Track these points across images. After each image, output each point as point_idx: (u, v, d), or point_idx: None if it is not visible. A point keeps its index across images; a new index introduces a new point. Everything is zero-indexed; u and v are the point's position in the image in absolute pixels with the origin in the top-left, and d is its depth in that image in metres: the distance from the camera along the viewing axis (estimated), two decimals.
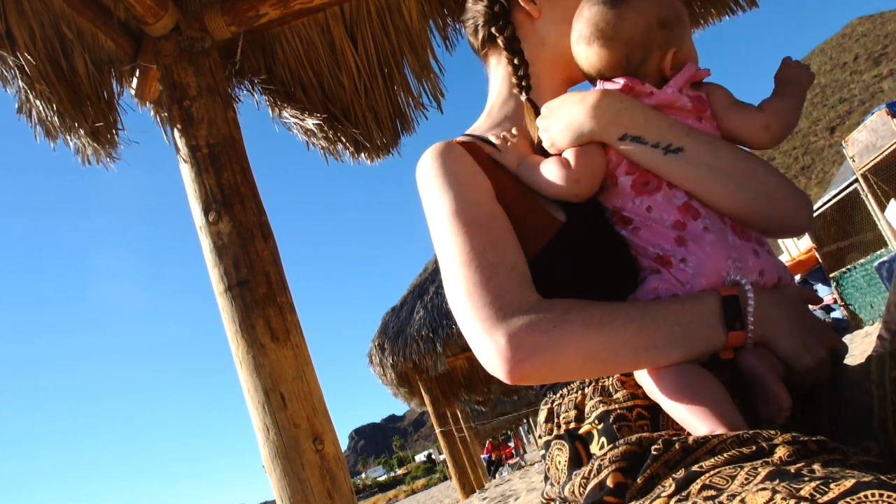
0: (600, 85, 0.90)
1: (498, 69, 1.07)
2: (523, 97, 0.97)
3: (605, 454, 0.69)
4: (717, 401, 0.72)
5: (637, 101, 0.84)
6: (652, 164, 0.82)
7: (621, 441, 0.70)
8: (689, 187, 0.81)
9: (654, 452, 0.65)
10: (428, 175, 0.90)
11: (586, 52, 0.89)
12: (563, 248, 0.84)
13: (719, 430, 0.69)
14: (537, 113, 0.93)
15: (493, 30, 1.02)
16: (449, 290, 0.82)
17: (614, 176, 0.86)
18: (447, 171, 0.89)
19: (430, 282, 10.46)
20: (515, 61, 0.99)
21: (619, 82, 0.86)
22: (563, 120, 0.86)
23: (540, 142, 0.91)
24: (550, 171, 0.86)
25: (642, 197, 0.83)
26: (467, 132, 1.04)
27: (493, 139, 0.96)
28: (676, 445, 0.65)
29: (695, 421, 0.71)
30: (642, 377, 0.78)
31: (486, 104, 1.08)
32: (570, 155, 0.86)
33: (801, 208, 0.81)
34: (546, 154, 0.91)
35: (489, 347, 0.75)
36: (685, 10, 0.89)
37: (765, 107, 0.86)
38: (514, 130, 0.95)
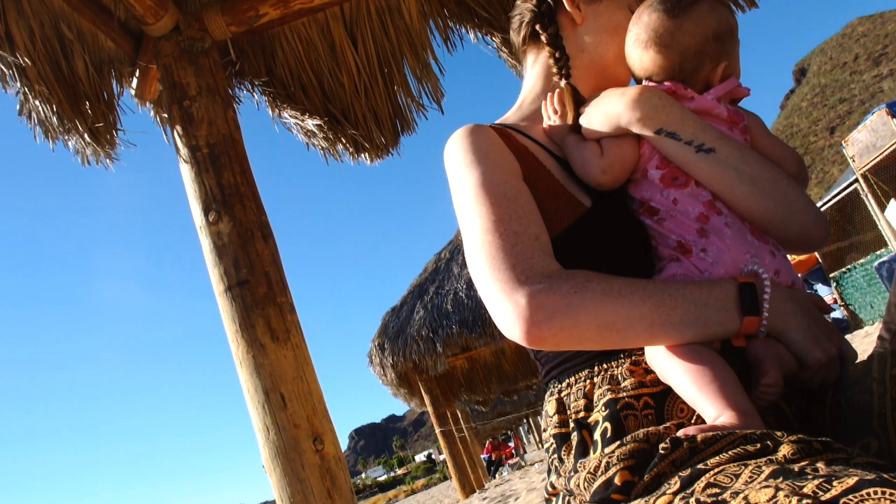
0: (646, 83, 0.93)
1: (534, 67, 1.10)
2: (563, 83, 1.00)
3: (612, 451, 0.69)
4: (727, 384, 0.73)
5: (675, 100, 0.88)
6: (683, 160, 0.85)
7: (628, 438, 0.71)
8: (716, 187, 0.84)
9: (661, 451, 0.65)
10: (457, 151, 0.93)
11: (641, 56, 0.92)
12: (585, 232, 0.87)
13: (726, 412, 0.70)
14: (576, 99, 0.97)
15: (537, 26, 1.06)
16: (471, 257, 0.84)
17: (645, 169, 0.89)
18: (477, 149, 0.91)
19: (430, 282, 10.46)
20: (557, 54, 1.02)
21: (665, 85, 0.90)
22: (602, 110, 0.90)
23: (575, 126, 0.95)
24: (584, 156, 0.91)
25: (670, 189, 0.86)
26: (497, 122, 1.07)
27: (523, 129, 1.00)
28: (685, 444, 0.65)
29: (704, 402, 0.72)
30: (654, 356, 0.79)
31: (518, 98, 1.12)
32: (603, 145, 0.90)
33: (817, 223, 0.84)
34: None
35: (508, 308, 0.76)
36: (737, 25, 0.92)
37: (793, 153, 0.91)
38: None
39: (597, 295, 0.75)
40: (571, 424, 0.84)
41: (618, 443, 0.71)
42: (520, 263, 0.78)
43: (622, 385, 0.81)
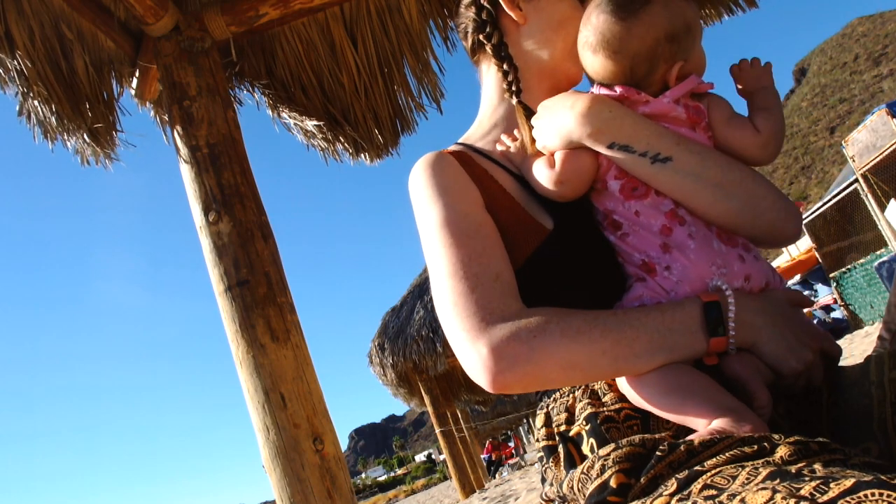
0: (596, 89, 0.90)
1: (488, 75, 1.08)
2: (514, 100, 0.98)
3: (608, 454, 0.69)
4: (708, 389, 0.72)
5: (628, 109, 0.84)
6: (640, 172, 0.82)
7: (624, 441, 0.71)
8: (677, 196, 0.81)
9: (658, 453, 0.65)
10: (419, 185, 0.92)
11: (591, 60, 0.89)
12: (550, 255, 0.85)
13: (718, 417, 0.68)
14: (529, 115, 0.94)
15: (480, 37, 1.03)
16: (436, 300, 0.84)
17: (604, 179, 0.86)
18: (437, 182, 0.91)
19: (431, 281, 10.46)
20: (504, 66, 0.99)
21: (616, 91, 0.86)
22: (553, 124, 0.87)
23: (532, 143, 0.93)
24: (538, 172, 0.88)
25: (630, 201, 0.84)
26: (459, 141, 1.05)
27: (481, 147, 0.99)
28: (682, 448, 0.65)
29: (691, 412, 0.71)
30: (626, 390, 0.78)
31: (479, 112, 1.09)
32: (557, 157, 0.87)
33: (788, 218, 0.82)
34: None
35: (473, 357, 0.77)
36: (697, 17, 0.87)
37: (760, 127, 0.86)
38: (515, 132, 0.97)
39: (556, 336, 0.75)
40: (555, 433, 0.85)
41: (612, 445, 0.71)
42: (480, 309, 0.78)
43: (603, 400, 0.81)
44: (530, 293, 0.83)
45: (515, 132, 0.97)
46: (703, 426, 0.70)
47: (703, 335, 0.75)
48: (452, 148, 1.01)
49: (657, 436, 0.71)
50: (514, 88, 0.98)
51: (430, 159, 0.94)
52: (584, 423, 0.80)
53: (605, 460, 0.68)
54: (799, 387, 0.76)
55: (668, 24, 0.83)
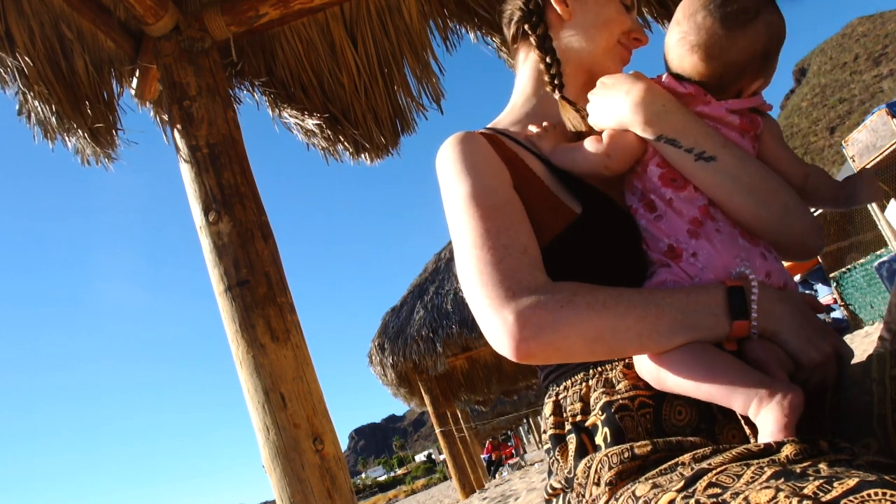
0: (666, 78, 0.90)
1: (525, 65, 1.10)
2: (557, 95, 1.00)
3: (647, 453, 0.71)
4: (735, 368, 0.73)
5: (680, 105, 0.86)
6: (682, 166, 0.84)
7: (661, 443, 0.72)
8: (713, 194, 0.83)
9: (687, 444, 0.67)
10: (448, 160, 0.93)
11: (682, 56, 0.89)
12: (576, 239, 0.87)
13: (753, 393, 0.69)
14: (572, 106, 0.96)
15: (526, 27, 1.05)
16: (461, 270, 0.85)
17: (646, 163, 0.88)
18: (467, 158, 0.92)
19: (430, 282, 10.47)
20: (548, 59, 1.01)
21: (686, 87, 0.87)
22: (607, 106, 0.90)
23: (576, 133, 0.95)
24: (587, 147, 0.90)
25: (667, 189, 0.86)
26: (489, 126, 1.07)
27: (511, 133, 1.00)
28: (709, 447, 0.66)
29: (724, 392, 0.71)
30: (643, 367, 0.79)
31: (510, 100, 1.11)
32: (606, 135, 0.89)
33: (812, 234, 0.84)
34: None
35: (497, 324, 0.77)
36: (785, 38, 0.89)
37: (811, 170, 0.91)
38: (544, 124, 0.99)
39: (582, 308, 0.76)
40: (567, 426, 0.85)
41: (649, 444, 0.72)
42: (507, 279, 0.79)
43: (616, 388, 0.82)
44: (553, 272, 0.84)
45: (545, 124, 0.99)
46: (739, 403, 0.70)
47: (725, 318, 0.76)
48: (482, 130, 1.02)
49: (692, 439, 0.72)
50: (556, 82, 1.00)
51: (460, 137, 0.95)
52: (600, 412, 0.80)
53: (645, 461, 0.70)
54: (814, 382, 0.77)
55: (767, 41, 0.85)
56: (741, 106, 0.87)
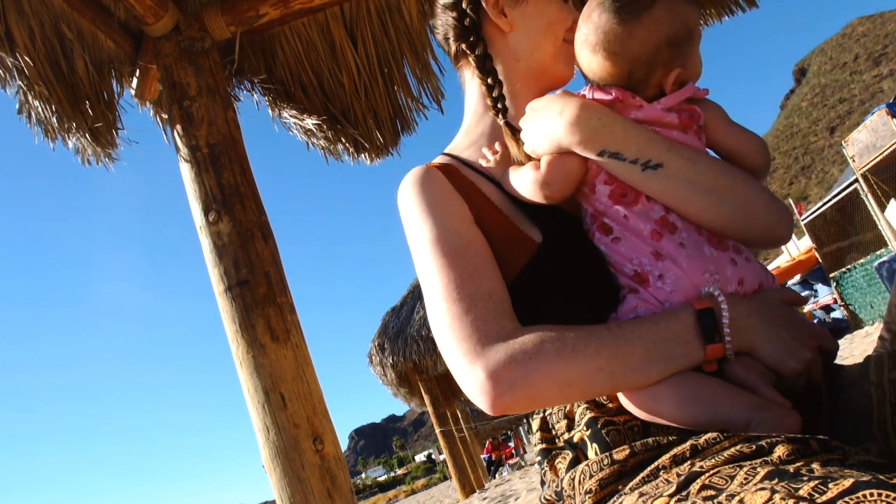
0: (589, 90, 0.88)
1: (472, 83, 1.05)
2: (500, 120, 0.95)
3: (625, 458, 0.71)
4: (726, 393, 0.72)
5: (617, 116, 0.83)
6: (630, 178, 0.81)
7: (639, 445, 0.72)
8: (668, 202, 0.81)
9: (664, 443, 0.66)
10: (408, 202, 0.92)
11: (588, 59, 0.87)
12: (541, 270, 0.85)
13: (751, 417, 0.68)
14: (514, 133, 0.92)
15: (463, 46, 0.99)
16: (432, 323, 0.84)
17: (592, 184, 0.85)
18: (425, 199, 0.90)
19: None
20: (489, 81, 0.96)
21: (611, 93, 0.85)
22: (541, 129, 0.86)
23: (521, 154, 0.91)
24: (524, 176, 0.87)
25: (619, 206, 0.83)
26: (445, 151, 1.04)
27: (467, 158, 0.98)
28: (687, 444, 0.66)
29: (722, 420, 0.70)
30: (629, 404, 0.77)
31: (464, 120, 1.07)
32: (543, 161, 0.86)
33: (780, 221, 0.81)
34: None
35: (471, 381, 0.77)
36: (698, 22, 0.86)
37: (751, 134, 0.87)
38: (496, 146, 0.95)
39: (552, 357, 0.75)
40: (558, 443, 0.85)
41: (628, 448, 0.72)
42: (475, 332, 0.78)
43: (605, 406, 0.81)
44: (523, 307, 0.83)
45: (496, 145, 0.95)
46: (740, 428, 0.69)
47: (698, 343, 0.74)
48: (438, 160, 0.99)
49: (671, 437, 0.72)
50: (499, 106, 0.95)
51: (417, 175, 0.93)
52: (585, 428, 0.80)
53: (624, 466, 0.70)
54: (800, 386, 0.76)
55: (670, 29, 0.82)
56: (675, 101, 0.83)
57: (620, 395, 0.79)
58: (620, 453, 0.72)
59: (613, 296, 0.84)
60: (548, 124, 0.85)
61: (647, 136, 0.81)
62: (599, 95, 0.86)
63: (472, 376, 0.76)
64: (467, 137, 1.03)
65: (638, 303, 0.80)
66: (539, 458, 0.88)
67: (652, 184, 0.80)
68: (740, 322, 0.75)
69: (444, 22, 1.02)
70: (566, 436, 0.84)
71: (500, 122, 0.95)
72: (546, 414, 0.89)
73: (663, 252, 0.79)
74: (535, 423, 0.90)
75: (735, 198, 0.79)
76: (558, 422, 0.86)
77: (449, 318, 0.81)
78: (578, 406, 0.83)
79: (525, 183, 0.87)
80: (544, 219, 0.87)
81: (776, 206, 0.81)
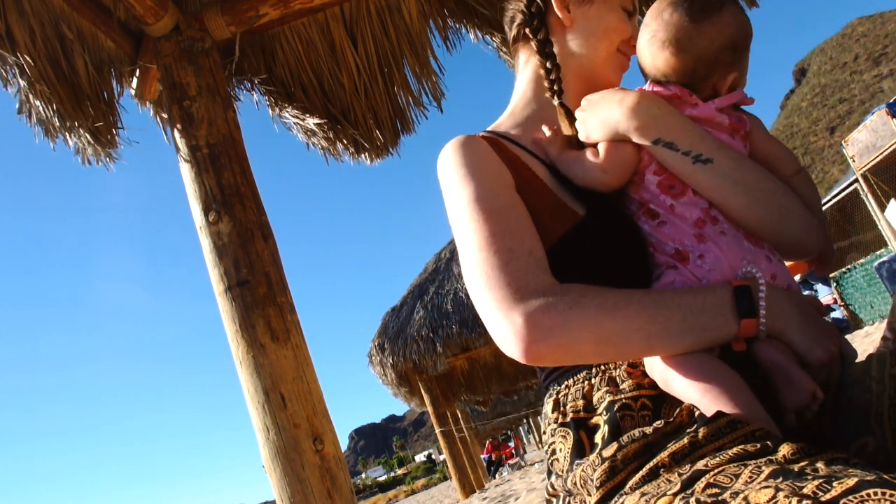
0: (649, 85, 0.92)
1: (526, 68, 1.09)
2: (556, 101, 0.99)
3: (614, 454, 0.70)
4: (732, 386, 0.73)
5: (674, 109, 0.87)
6: (681, 169, 0.84)
7: (625, 439, 0.71)
8: (712, 196, 0.83)
9: (649, 433, 0.67)
10: (450, 165, 0.93)
11: (654, 54, 0.90)
12: (580, 241, 0.86)
13: (732, 411, 0.69)
14: (570, 117, 0.96)
15: (527, 30, 1.04)
16: (467, 274, 0.85)
17: (643, 173, 0.88)
18: (469, 162, 0.91)
19: (430, 282, 10.46)
20: (548, 65, 1.01)
21: (671, 89, 0.88)
22: (600, 116, 0.89)
23: (572, 141, 0.94)
24: (583, 162, 0.90)
25: (666, 196, 0.86)
26: (489, 129, 1.06)
27: (513, 136, 1.00)
28: (685, 439, 0.65)
29: (708, 403, 0.72)
30: (656, 368, 0.79)
31: (510, 102, 1.10)
32: (601, 148, 0.89)
33: (812, 233, 0.85)
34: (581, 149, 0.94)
35: (506, 327, 0.77)
36: (752, 36, 0.91)
37: (802, 170, 0.91)
38: (547, 128, 0.98)
39: (592, 310, 0.75)
40: (568, 419, 0.85)
41: (616, 444, 0.72)
42: (515, 281, 0.79)
43: (621, 387, 0.82)
44: (558, 277, 0.83)
45: (545, 128, 0.98)
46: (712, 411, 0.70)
47: (734, 317, 0.75)
48: (482, 134, 1.01)
49: (656, 425, 0.72)
50: (556, 88, 1.00)
51: (461, 141, 0.94)
52: (605, 412, 0.80)
53: (615, 462, 0.69)
54: (820, 380, 0.77)
55: (735, 32, 0.87)
56: (727, 103, 0.88)
57: (647, 360, 0.80)
58: (609, 450, 0.72)
59: (647, 276, 0.86)
60: (607, 111, 0.88)
61: (699, 132, 0.85)
62: (659, 89, 0.89)
63: (507, 322, 0.77)
64: (512, 118, 1.06)
65: (676, 277, 0.82)
66: (547, 446, 0.88)
67: (700, 177, 0.83)
68: (775, 304, 0.77)
69: (514, 6, 1.08)
70: (580, 415, 0.84)
71: (556, 102, 0.99)
72: (560, 395, 0.89)
73: (706, 236, 0.83)
74: (549, 406, 0.90)
75: (774, 203, 0.82)
76: (573, 401, 0.86)
77: (487, 267, 0.81)
78: (598, 389, 0.83)
79: (582, 168, 0.90)
80: (586, 197, 0.90)
81: (810, 219, 0.85)
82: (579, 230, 0.86)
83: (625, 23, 1.03)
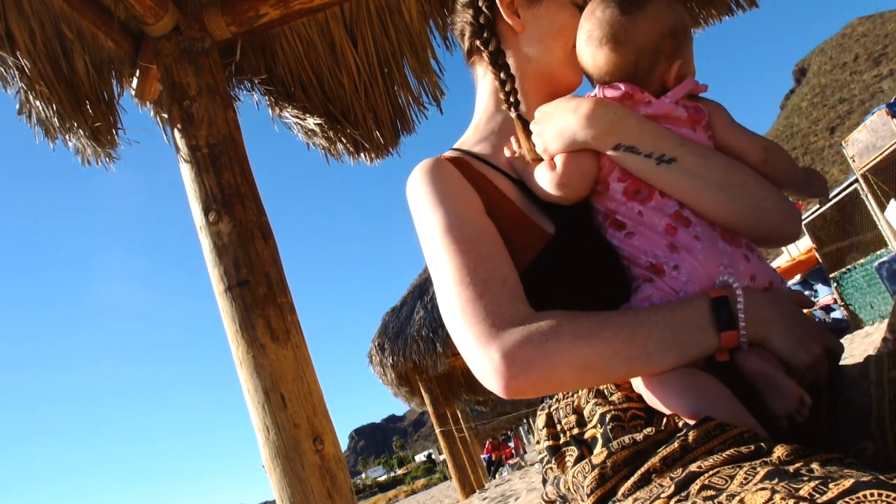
0: (599, 90, 0.89)
1: (484, 80, 1.07)
2: (513, 113, 0.96)
3: (603, 461, 0.70)
4: (717, 395, 0.72)
5: (631, 111, 0.84)
6: (645, 173, 0.82)
7: (615, 445, 0.71)
8: (681, 196, 0.82)
9: (640, 439, 0.66)
10: (418, 192, 0.91)
11: (594, 54, 0.89)
12: (553, 260, 0.85)
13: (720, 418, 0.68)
14: (526, 129, 0.93)
15: (477, 42, 1.01)
16: (443, 307, 0.83)
17: (606, 181, 0.86)
18: (437, 188, 0.90)
19: (430, 282, 10.45)
20: (502, 75, 0.98)
21: (620, 88, 0.86)
22: (555, 127, 0.87)
23: (531, 152, 0.92)
24: (540, 176, 0.88)
25: (633, 202, 0.84)
26: (455, 147, 1.04)
27: (478, 153, 0.98)
28: (676, 444, 0.65)
29: (695, 415, 0.71)
30: (639, 384, 0.78)
31: (473, 117, 1.08)
32: (559, 160, 0.87)
33: (789, 219, 0.82)
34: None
35: (484, 363, 0.76)
36: (689, 23, 0.90)
37: (769, 145, 0.87)
38: (513, 142, 0.96)
39: (568, 338, 0.74)
40: (563, 438, 0.85)
41: (605, 450, 0.71)
42: (490, 315, 0.77)
43: (610, 399, 0.81)
44: (534, 298, 0.82)
45: (513, 141, 0.96)
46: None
47: (713, 330, 0.74)
48: (449, 154, 1.00)
49: (646, 432, 0.72)
50: (511, 100, 0.97)
51: (428, 166, 0.93)
52: (599, 425, 0.80)
53: (605, 469, 0.69)
54: (806, 383, 0.76)
55: (671, 20, 0.86)
56: (680, 94, 0.86)
57: (633, 380, 0.79)
58: (598, 457, 0.71)
59: (625, 290, 0.85)
60: (562, 121, 0.86)
61: (660, 131, 0.83)
62: (610, 92, 0.87)
63: (486, 358, 0.75)
64: (477, 133, 1.04)
65: (653, 291, 0.81)
66: (543, 456, 0.87)
67: (666, 178, 0.81)
68: (754, 312, 0.75)
69: (461, 19, 1.05)
70: (574, 431, 0.83)
71: (513, 115, 0.96)
72: (551, 409, 0.89)
73: (679, 244, 0.80)
74: (541, 420, 0.90)
75: (746, 195, 0.80)
76: (566, 416, 0.85)
77: (462, 301, 0.80)
78: (587, 401, 0.83)
79: (542, 183, 0.88)
80: (556, 212, 0.88)
81: (785, 205, 0.82)
82: (550, 249, 0.85)
83: (576, 18, 0.98)
